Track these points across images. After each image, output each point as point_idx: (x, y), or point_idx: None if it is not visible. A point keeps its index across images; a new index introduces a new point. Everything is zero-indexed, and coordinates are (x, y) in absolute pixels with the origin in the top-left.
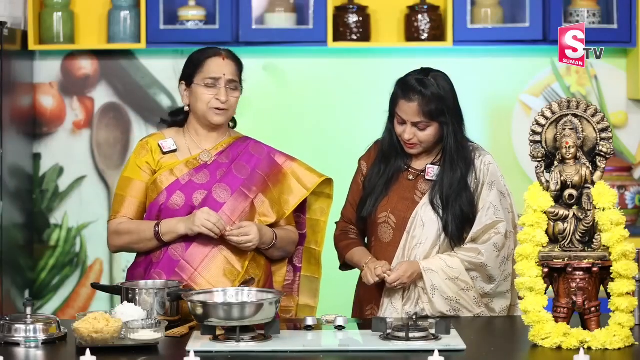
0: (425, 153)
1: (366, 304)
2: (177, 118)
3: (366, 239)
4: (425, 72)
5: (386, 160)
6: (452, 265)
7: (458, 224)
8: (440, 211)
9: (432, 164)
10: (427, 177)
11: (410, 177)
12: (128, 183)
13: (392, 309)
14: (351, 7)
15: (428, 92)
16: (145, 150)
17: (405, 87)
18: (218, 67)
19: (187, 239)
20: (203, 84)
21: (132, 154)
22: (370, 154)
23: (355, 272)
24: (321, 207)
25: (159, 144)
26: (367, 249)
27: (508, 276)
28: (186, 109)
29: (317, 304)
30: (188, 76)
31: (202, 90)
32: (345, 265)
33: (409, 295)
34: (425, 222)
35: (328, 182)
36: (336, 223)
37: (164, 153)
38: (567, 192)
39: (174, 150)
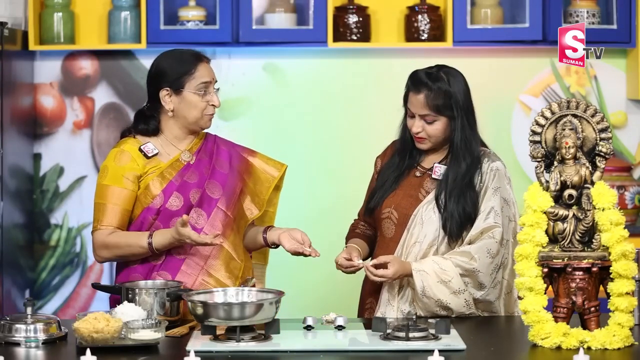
0: (435, 151)
1: (367, 297)
2: (149, 127)
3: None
4: (439, 67)
5: (399, 156)
6: (445, 268)
7: (458, 222)
8: (443, 208)
9: (440, 163)
10: (433, 176)
11: (418, 174)
12: (108, 190)
13: (389, 306)
14: (351, 7)
15: (435, 86)
16: (127, 158)
17: (414, 80)
18: (208, 71)
19: None
20: (195, 90)
21: (110, 161)
22: (386, 152)
23: (360, 272)
24: (270, 198)
25: (140, 149)
26: (374, 243)
27: (497, 284)
28: (170, 114)
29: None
30: (175, 83)
31: (194, 97)
32: None
33: (406, 293)
34: (425, 220)
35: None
36: (354, 220)
37: (148, 157)
38: (566, 192)
39: (157, 154)
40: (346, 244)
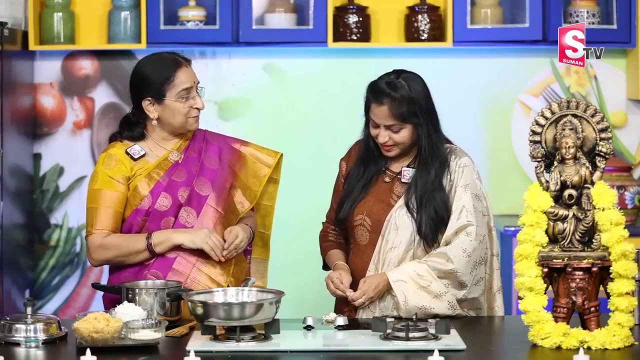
0: (402, 155)
1: (344, 306)
2: (133, 134)
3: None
4: (397, 73)
5: (364, 163)
6: (421, 273)
7: (432, 226)
8: (415, 213)
9: (408, 166)
10: (402, 180)
11: (387, 179)
12: (99, 194)
13: (369, 312)
14: (351, 7)
15: (397, 95)
16: (114, 161)
17: (375, 91)
18: (188, 76)
19: None
20: (177, 97)
21: (99, 166)
22: (350, 154)
23: None
24: (268, 192)
25: (127, 152)
26: (347, 251)
27: (480, 281)
28: (154, 123)
29: (266, 284)
30: (156, 92)
31: (177, 104)
32: (327, 267)
33: (386, 299)
34: (399, 225)
35: (276, 165)
36: (322, 224)
37: (135, 159)
38: (566, 192)
39: (144, 155)
40: (322, 252)
